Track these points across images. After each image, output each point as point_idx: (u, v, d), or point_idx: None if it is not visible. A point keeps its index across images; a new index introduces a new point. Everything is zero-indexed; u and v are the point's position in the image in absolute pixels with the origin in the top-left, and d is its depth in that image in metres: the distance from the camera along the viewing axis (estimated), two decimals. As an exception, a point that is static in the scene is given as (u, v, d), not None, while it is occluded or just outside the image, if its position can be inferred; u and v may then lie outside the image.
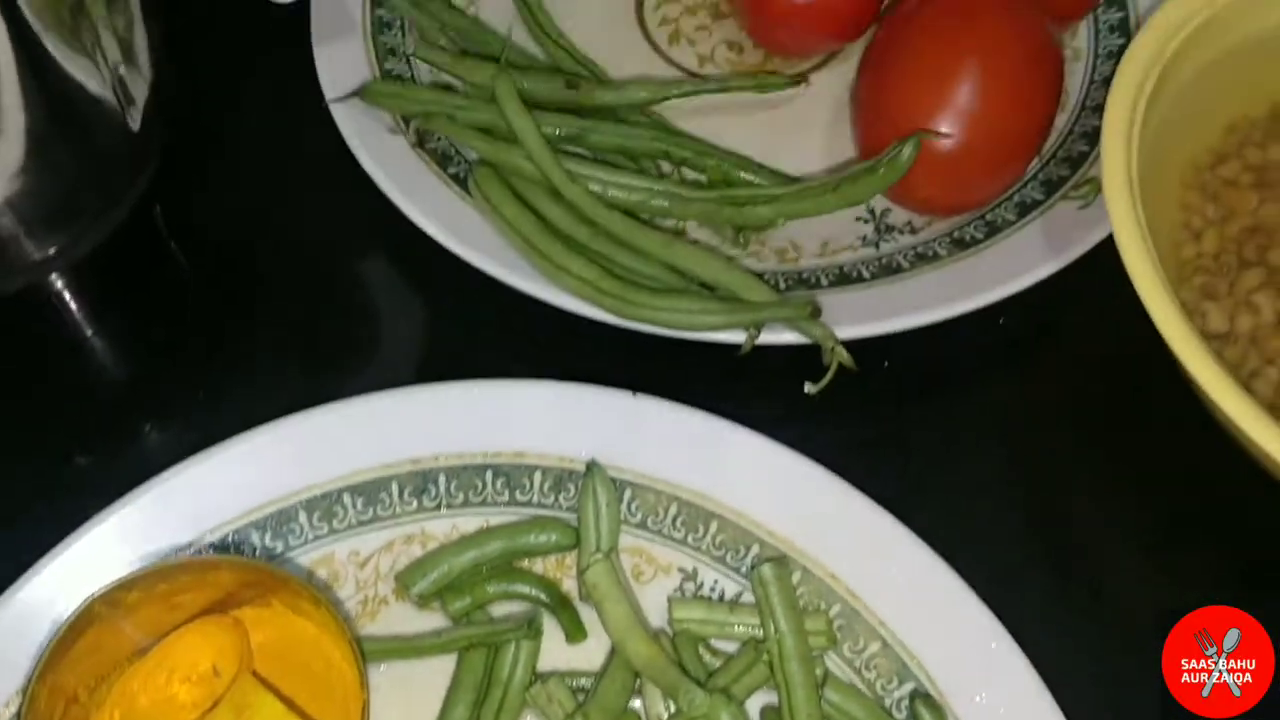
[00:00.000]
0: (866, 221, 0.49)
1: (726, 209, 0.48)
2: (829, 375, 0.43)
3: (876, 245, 0.48)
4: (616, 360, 0.46)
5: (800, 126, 0.52)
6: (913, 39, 0.47)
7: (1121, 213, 0.40)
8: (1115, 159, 0.42)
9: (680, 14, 0.55)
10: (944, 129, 0.45)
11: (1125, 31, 0.53)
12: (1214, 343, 0.42)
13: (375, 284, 0.51)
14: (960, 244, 0.47)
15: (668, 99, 0.51)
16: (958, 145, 0.45)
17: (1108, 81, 0.44)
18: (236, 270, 0.51)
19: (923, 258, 0.47)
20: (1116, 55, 0.51)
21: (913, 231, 0.48)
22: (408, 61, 0.52)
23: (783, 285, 0.46)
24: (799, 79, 0.52)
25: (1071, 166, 0.49)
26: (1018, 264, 0.45)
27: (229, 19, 0.54)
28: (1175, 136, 0.45)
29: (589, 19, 0.55)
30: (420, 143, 0.49)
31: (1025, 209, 0.47)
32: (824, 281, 0.46)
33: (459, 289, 0.47)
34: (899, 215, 0.49)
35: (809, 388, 0.44)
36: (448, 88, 0.52)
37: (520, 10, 0.54)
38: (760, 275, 0.46)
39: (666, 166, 0.50)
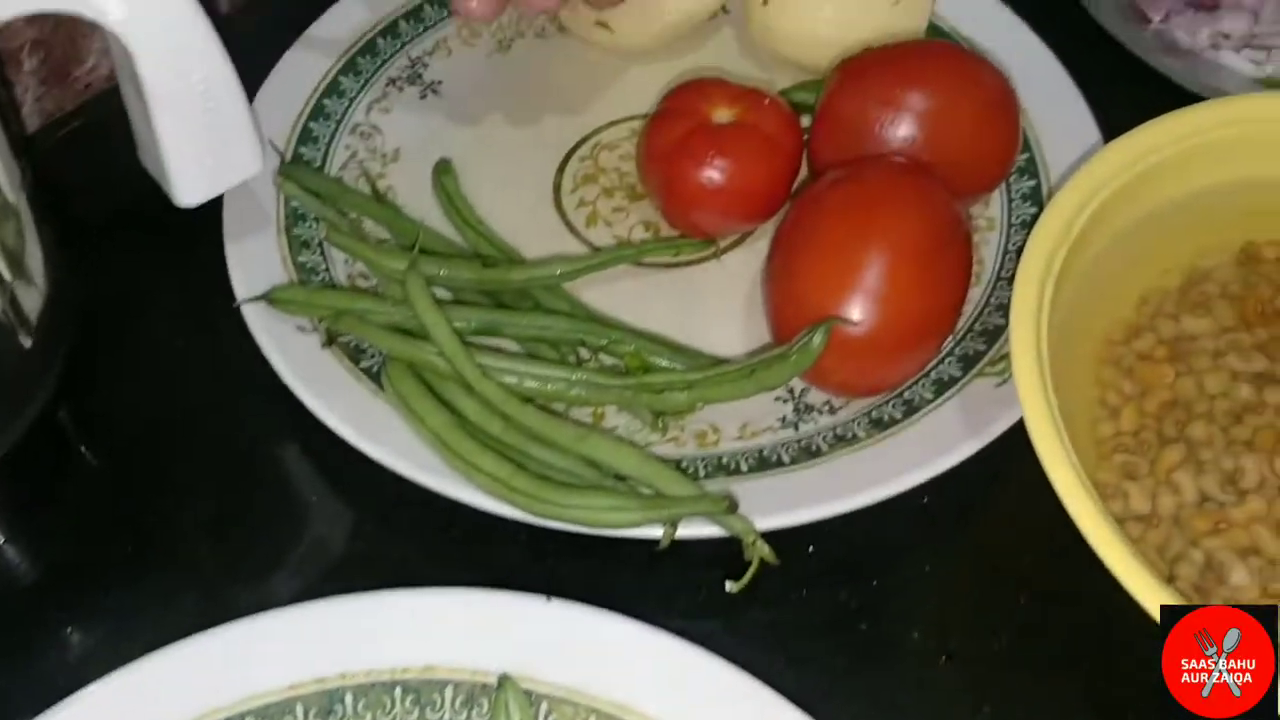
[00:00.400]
0: (786, 401, 0.48)
1: (644, 395, 0.47)
2: (750, 572, 0.42)
3: (796, 426, 0.47)
4: (536, 556, 0.45)
5: (717, 305, 0.52)
6: (821, 222, 0.47)
7: (1031, 396, 0.40)
8: (1024, 340, 0.41)
9: (597, 196, 0.55)
10: (854, 313, 0.44)
11: (1038, 200, 0.53)
12: (1136, 525, 0.41)
13: (287, 483, 0.50)
14: (879, 424, 0.46)
15: (585, 271, 0.51)
16: (868, 330, 0.44)
17: (1022, 251, 0.44)
18: (145, 473, 0.49)
19: (842, 439, 0.46)
20: (1030, 224, 0.51)
21: (831, 411, 0.48)
22: (322, 253, 0.52)
23: (702, 472, 0.46)
24: (713, 247, 0.53)
25: (988, 340, 0.48)
26: (937, 445, 0.45)
27: (137, 213, 0.53)
28: (1087, 311, 0.45)
29: (507, 204, 0.55)
30: (330, 342, 0.48)
31: (943, 386, 0.47)
32: (744, 467, 0.46)
33: (372, 486, 0.46)
34: (818, 395, 0.48)
35: (730, 586, 0.42)
36: (363, 276, 0.52)
37: (439, 197, 0.54)
38: (679, 463, 0.46)
39: (584, 353, 0.50)
